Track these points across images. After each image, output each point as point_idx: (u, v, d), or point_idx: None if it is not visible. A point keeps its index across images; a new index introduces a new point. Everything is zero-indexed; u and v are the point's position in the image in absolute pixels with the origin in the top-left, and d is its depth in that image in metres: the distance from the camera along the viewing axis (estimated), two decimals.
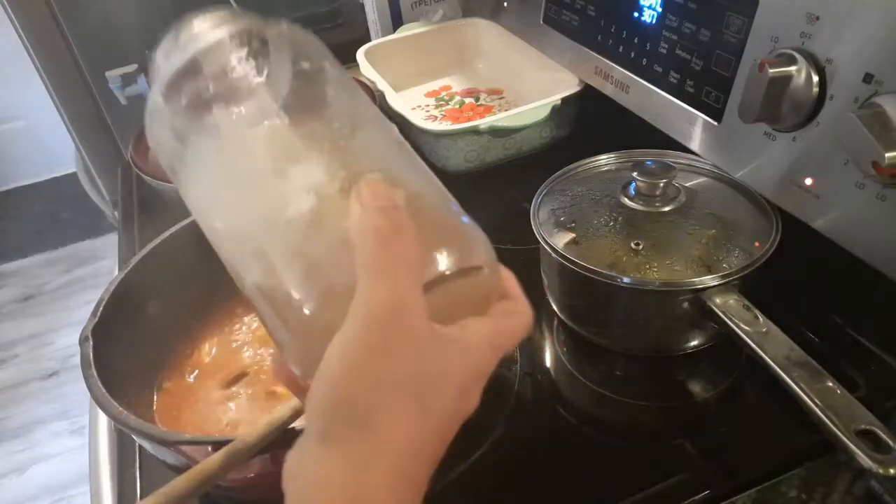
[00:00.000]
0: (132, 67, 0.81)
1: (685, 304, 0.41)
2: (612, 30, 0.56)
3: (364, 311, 0.22)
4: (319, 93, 0.27)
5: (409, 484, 0.22)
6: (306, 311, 0.24)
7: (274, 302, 0.25)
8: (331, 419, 0.22)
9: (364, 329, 0.21)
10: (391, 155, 0.28)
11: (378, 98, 0.70)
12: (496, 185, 0.65)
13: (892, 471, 0.30)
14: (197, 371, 0.47)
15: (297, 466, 0.22)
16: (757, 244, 0.43)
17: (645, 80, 0.53)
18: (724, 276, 0.40)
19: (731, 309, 0.39)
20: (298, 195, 0.25)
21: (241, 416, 0.43)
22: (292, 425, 0.33)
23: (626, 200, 0.47)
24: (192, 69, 0.26)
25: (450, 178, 0.67)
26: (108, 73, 0.80)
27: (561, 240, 0.46)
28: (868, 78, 0.35)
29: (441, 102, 0.78)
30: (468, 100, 0.78)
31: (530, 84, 0.72)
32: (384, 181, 0.24)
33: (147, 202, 0.73)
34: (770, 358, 0.36)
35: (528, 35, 0.71)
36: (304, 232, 0.25)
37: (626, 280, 0.42)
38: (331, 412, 0.22)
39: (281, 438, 0.32)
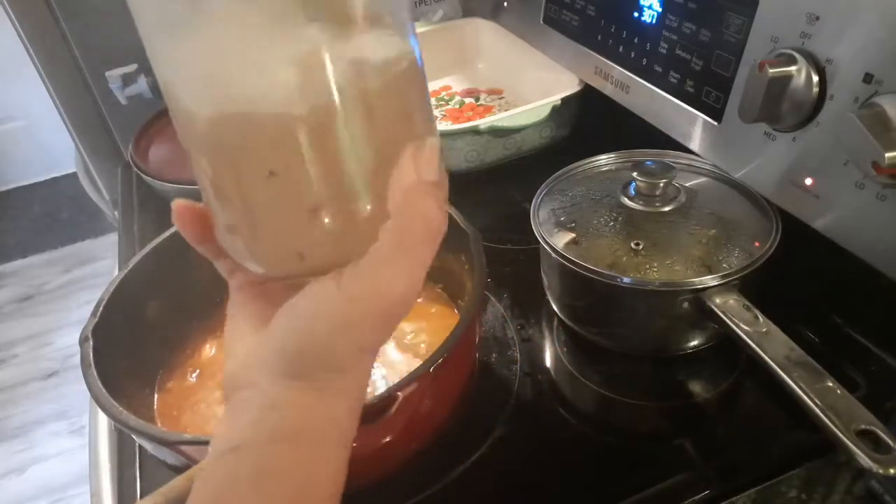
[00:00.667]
0: (132, 67, 0.81)
1: (685, 304, 0.41)
2: (612, 30, 0.56)
3: (375, 287, 0.22)
4: None
5: (358, 410, 0.24)
6: (282, 237, 0.22)
7: (227, 197, 0.22)
8: (306, 365, 0.22)
9: (368, 301, 0.22)
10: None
11: None
12: (496, 185, 0.65)
13: (892, 471, 0.30)
14: (198, 371, 0.47)
15: (255, 378, 0.23)
16: (757, 244, 0.43)
17: (645, 80, 0.53)
18: (724, 276, 0.40)
19: (731, 309, 0.39)
20: (275, 64, 0.20)
21: None
22: None
23: (626, 200, 0.47)
24: None
25: (450, 178, 0.67)
26: (107, 73, 0.80)
27: (561, 240, 0.46)
28: (868, 78, 0.35)
29: (441, 102, 0.78)
30: (468, 100, 0.78)
31: (530, 84, 0.72)
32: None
33: (147, 202, 0.73)
34: (770, 358, 0.36)
35: (528, 35, 0.71)
36: (287, 123, 0.20)
37: (626, 280, 0.42)
38: (308, 361, 0.22)
39: None
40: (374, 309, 0.22)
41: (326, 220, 0.22)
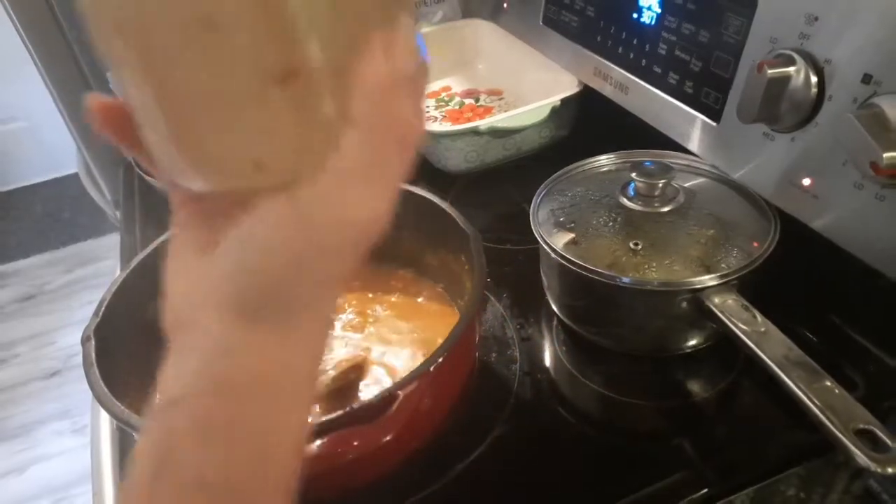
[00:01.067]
0: None
1: (684, 304, 0.42)
2: (612, 31, 0.56)
3: (340, 211, 0.18)
4: None
5: (320, 356, 0.22)
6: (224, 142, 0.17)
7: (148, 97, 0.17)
8: (258, 304, 0.19)
9: (331, 228, 0.18)
10: None
11: None
12: (496, 186, 0.65)
13: (890, 470, 0.30)
14: None
15: (199, 317, 0.20)
16: (755, 244, 0.43)
17: (644, 80, 0.53)
18: (722, 276, 0.41)
19: (729, 309, 0.39)
20: None
21: None
22: None
23: (625, 201, 0.47)
24: None
25: (450, 178, 0.67)
26: (109, 73, 0.81)
27: (560, 240, 0.46)
28: (867, 78, 0.35)
29: (441, 103, 0.78)
30: (468, 100, 0.78)
31: (530, 85, 0.72)
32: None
33: (148, 202, 0.73)
34: (768, 357, 0.36)
35: (527, 36, 0.71)
36: None
37: (625, 280, 0.42)
38: (261, 300, 0.19)
39: None
40: (338, 237, 0.18)
41: (294, 95, 0.17)
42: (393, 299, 0.51)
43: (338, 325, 0.49)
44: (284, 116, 0.17)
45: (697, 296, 0.41)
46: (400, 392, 0.34)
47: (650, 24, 0.51)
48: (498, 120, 0.62)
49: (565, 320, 0.50)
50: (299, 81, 0.17)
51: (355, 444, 0.36)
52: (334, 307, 0.21)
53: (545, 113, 0.62)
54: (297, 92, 0.17)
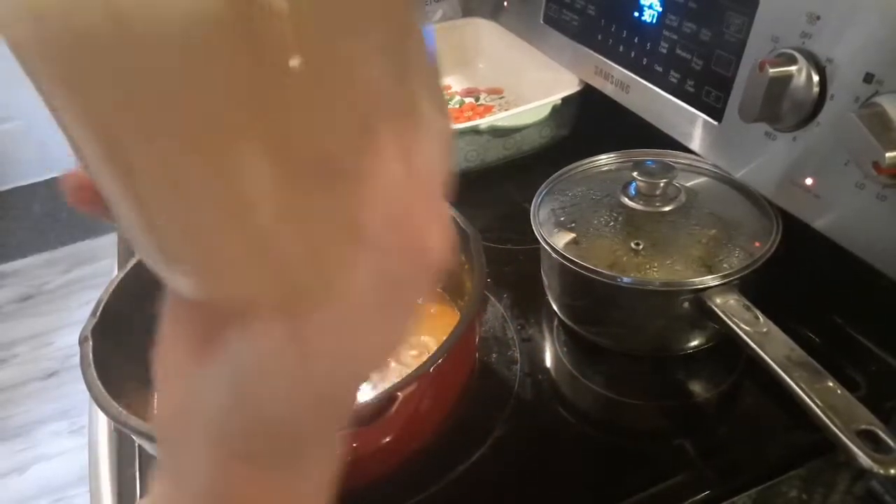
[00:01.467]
0: None
1: (685, 304, 0.41)
2: (613, 29, 0.56)
3: (347, 345, 0.16)
4: None
5: (328, 492, 0.19)
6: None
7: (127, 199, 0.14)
8: (255, 445, 0.17)
9: (336, 363, 0.16)
10: None
11: None
12: (496, 185, 0.65)
13: (892, 471, 0.30)
14: None
15: (192, 442, 0.18)
16: (757, 244, 0.43)
17: (645, 79, 0.53)
18: (724, 276, 0.40)
19: (731, 309, 0.39)
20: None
21: None
22: None
23: (626, 200, 0.47)
24: None
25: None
26: None
27: (561, 240, 0.46)
28: (868, 78, 0.35)
29: None
30: (468, 99, 0.78)
31: (530, 84, 0.72)
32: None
33: None
34: (770, 358, 0.36)
35: (528, 35, 0.71)
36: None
37: (626, 280, 0.42)
38: (258, 441, 0.17)
39: None
40: (343, 373, 0.16)
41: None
42: None
43: None
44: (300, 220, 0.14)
45: (699, 296, 0.40)
46: (399, 393, 0.34)
47: (651, 22, 0.51)
48: (498, 119, 0.62)
49: (566, 320, 0.49)
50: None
51: (354, 445, 0.36)
52: (339, 440, 0.19)
53: (546, 112, 0.62)
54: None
